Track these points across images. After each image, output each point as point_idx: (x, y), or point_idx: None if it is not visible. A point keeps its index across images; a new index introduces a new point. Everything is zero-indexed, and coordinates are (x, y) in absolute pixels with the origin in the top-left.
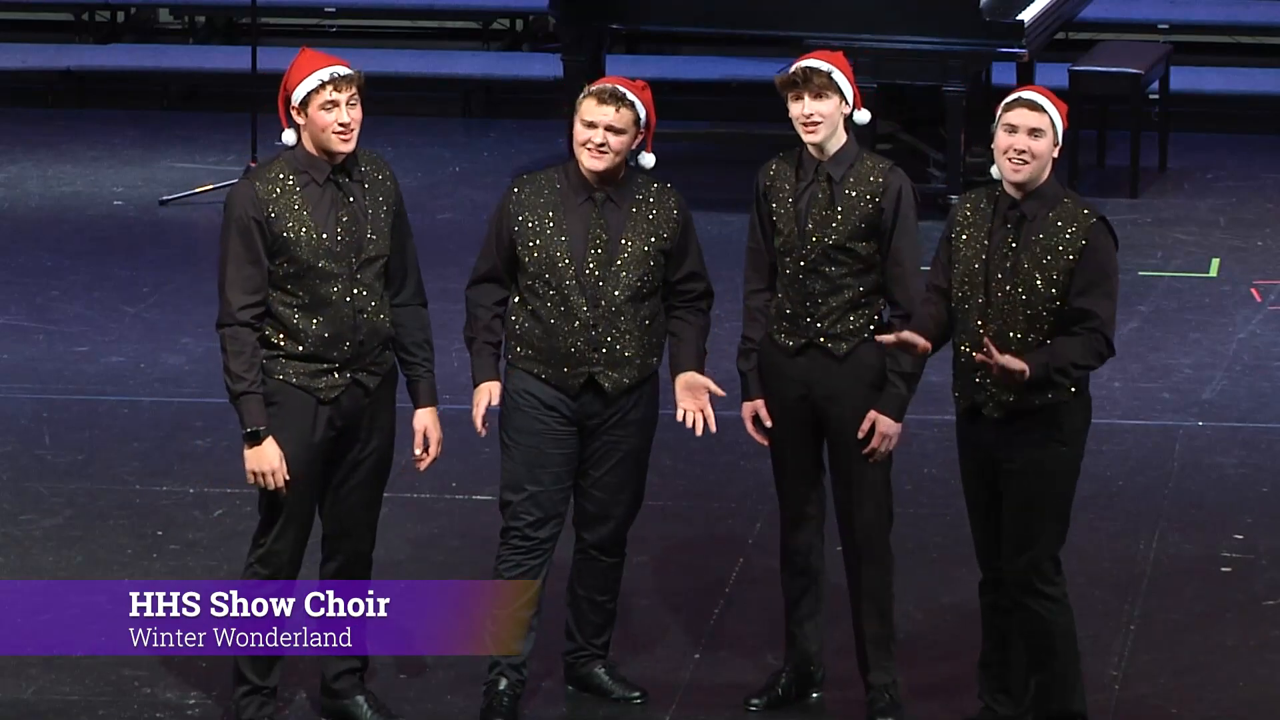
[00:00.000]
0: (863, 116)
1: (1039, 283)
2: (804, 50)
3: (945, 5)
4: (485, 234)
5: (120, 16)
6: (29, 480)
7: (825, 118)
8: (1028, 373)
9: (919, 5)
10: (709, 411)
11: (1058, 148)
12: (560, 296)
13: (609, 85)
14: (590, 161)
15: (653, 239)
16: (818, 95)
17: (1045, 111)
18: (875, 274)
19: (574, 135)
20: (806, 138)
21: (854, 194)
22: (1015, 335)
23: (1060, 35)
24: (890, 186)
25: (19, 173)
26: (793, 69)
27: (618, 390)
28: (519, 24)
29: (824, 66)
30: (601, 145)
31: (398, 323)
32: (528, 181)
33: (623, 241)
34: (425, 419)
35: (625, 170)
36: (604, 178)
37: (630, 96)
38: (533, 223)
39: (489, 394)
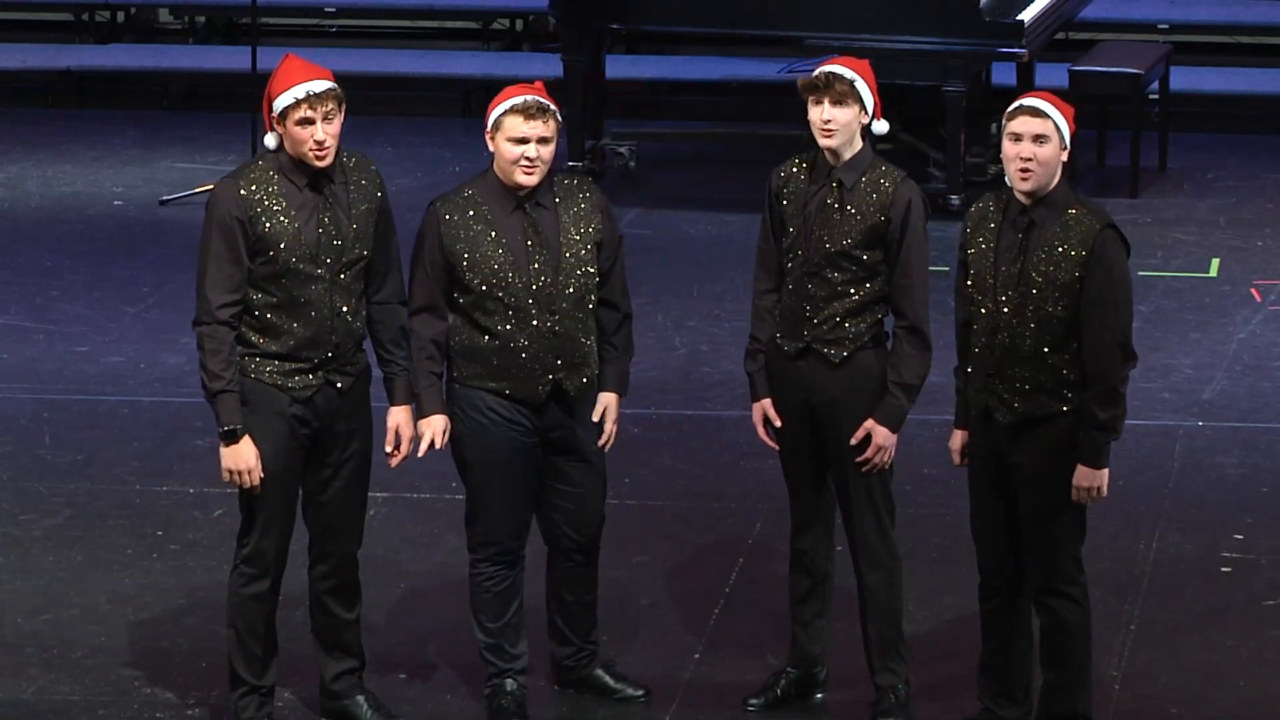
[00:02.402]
0: (881, 126)
1: (1047, 290)
2: (804, 50)
3: (945, 5)
4: (414, 262)
5: (120, 16)
6: (29, 480)
7: (843, 125)
8: (1104, 476)
9: (919, 5)
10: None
11: (1066, 151)
12: (514, 310)
13: (530, 98)
14: (524, 178)
15: (587, 233)
16: (838, 102)
17: (1049, 117)
18: (879, 283)
19: (499, 152)
20: (823, 142)
21: (863, 202)
22: (1024, 342)
23: (1060, 35)
24: (900, 198)
25: (19, 173)
26: (816, 73)
27: (580, 392)
28: (519, 24)
29: (848, 74)
30: (536, 159)
31: (376, 320)
32: (449, 202)
33: (561, 243)
34: (399, 416)
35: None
36: (526, 187)
37: (550, 105)
38: (469, 244)
39: (445, 424)
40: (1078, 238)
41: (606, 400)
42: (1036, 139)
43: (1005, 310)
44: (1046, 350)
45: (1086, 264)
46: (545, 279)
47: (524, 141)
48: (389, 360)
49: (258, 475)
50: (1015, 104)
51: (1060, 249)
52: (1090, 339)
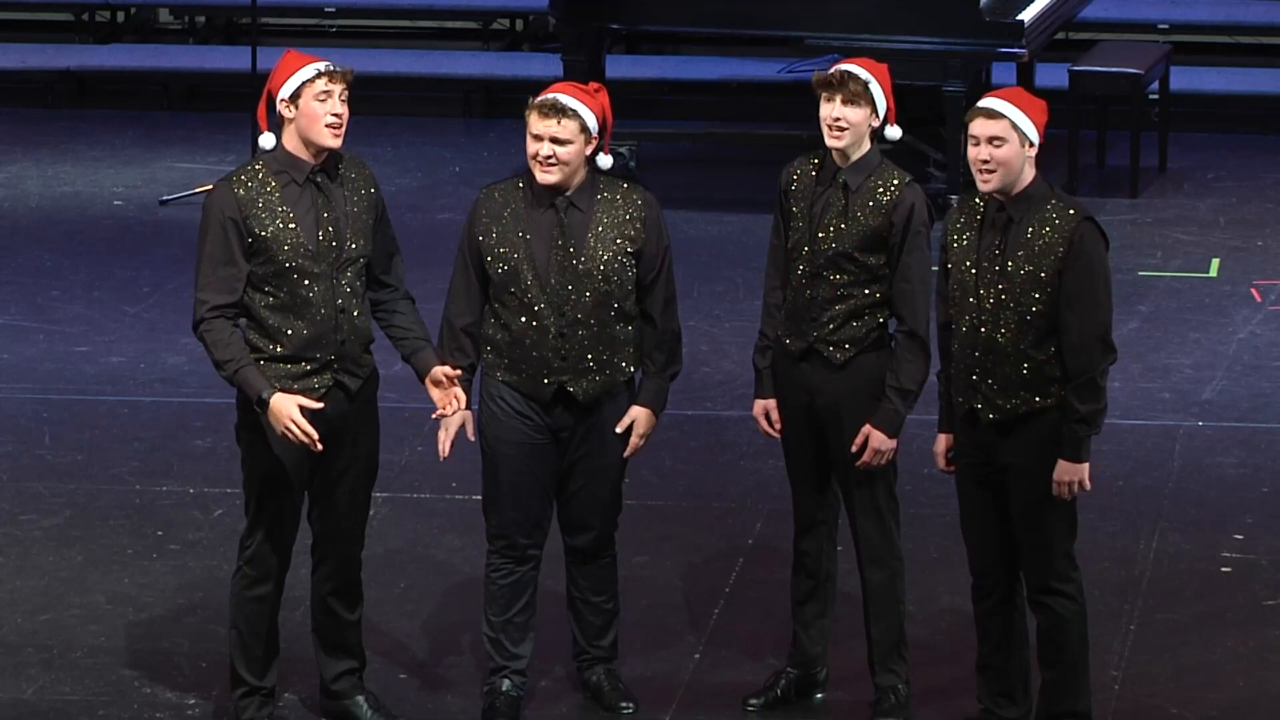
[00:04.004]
0: (894, 132)
1: (1027, 286)
2: (804, 50)
3: (945, 5)
4: (457, 250)
5: (120, 16)
6: (29, 480)
7: (851, 125)
8: (1085, 469)
9: (919, 5)
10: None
11: (1033, 147)
12: (527, 307)
13: (550, 97)
14: (542, 175)
15: (618, 242)
16: (849, 101)
17: (1005, 117)
18: (881, 286)
19: (526, 148)
20: (830, 141)
21: (867, 204)
22: (1006, 340)
23: (1060, 35)
24: (902, 202)
25: (19, 173)
26: (831, 70)
27: (589, 399)
28: (519, 24)
29: (862, 75)
30: (549, 158)
31: (392, 310)
32: (491, 193)
33: (586, 247)
34: (439, 374)
35: (587, 174)
36: (560, 187)
37: (573, 106)
38: (496, 235)
39: (462, 421)
40: (1056, 232)
41: (635, 414)
42: (992, 140)
43: (986, 308)
44: (1028, 346)
45: (1065, 258)
46: (561, 280)
47: (539, 139)
48: (412, 337)
49: (305, 423)
50: (974, 106)
51: (1039, 244)
52: (1070, 333)
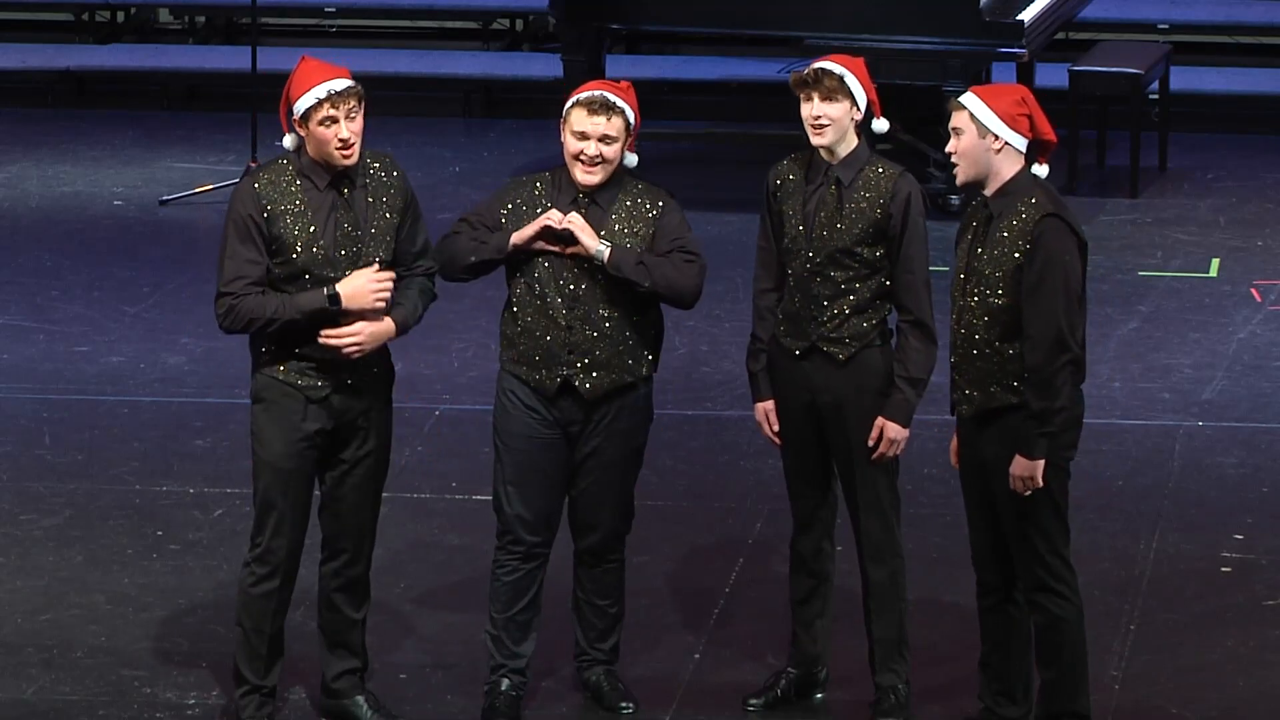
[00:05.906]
0: (880, 125)
1: (993, 281)
2: (804, 50)
3: (945, 5)
4: (479, 204)
5: (120, 16)
6: (29, 480)
7: (833, 121)
8: (1038, 467)
9: (919, 5)
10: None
11: (998, 140)
12: (539, 298)
13: (598, 94)
14: (585, 176)
15: (633, 240)
16: (827, 98)
17: (963, 108)
18: (881, 279)
19: (565, 146)
20: (814, 139)
21: (862, 198)
22: (977, 334)
23: (1060, 35)
24: (899, 193)
25: (19, 173)
26: (805, 70)
27: (595, 395)
28: (519, 24)
29: (836, 70)
30: (596, 157)
31: (404, 287)
32: (520, 182)
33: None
34: (373, 323)
35: (614, 173)
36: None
37: (620, 103)
38: (515, 220)
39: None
40: (1021, 227)
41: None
42: (954, 131)
43: (963, 302)
44: (996, 340)
45: (1028, 252)
46: (573, 274)
47: (585, 137)
48: (396, 302)
49: (386, 278)
50: None
51: (1005, 239)
52: (1026, 328)
